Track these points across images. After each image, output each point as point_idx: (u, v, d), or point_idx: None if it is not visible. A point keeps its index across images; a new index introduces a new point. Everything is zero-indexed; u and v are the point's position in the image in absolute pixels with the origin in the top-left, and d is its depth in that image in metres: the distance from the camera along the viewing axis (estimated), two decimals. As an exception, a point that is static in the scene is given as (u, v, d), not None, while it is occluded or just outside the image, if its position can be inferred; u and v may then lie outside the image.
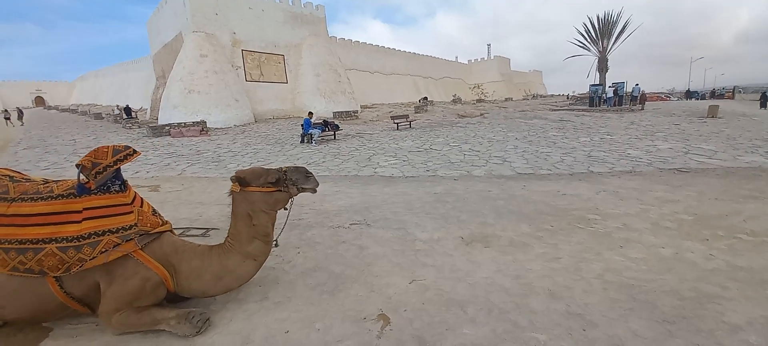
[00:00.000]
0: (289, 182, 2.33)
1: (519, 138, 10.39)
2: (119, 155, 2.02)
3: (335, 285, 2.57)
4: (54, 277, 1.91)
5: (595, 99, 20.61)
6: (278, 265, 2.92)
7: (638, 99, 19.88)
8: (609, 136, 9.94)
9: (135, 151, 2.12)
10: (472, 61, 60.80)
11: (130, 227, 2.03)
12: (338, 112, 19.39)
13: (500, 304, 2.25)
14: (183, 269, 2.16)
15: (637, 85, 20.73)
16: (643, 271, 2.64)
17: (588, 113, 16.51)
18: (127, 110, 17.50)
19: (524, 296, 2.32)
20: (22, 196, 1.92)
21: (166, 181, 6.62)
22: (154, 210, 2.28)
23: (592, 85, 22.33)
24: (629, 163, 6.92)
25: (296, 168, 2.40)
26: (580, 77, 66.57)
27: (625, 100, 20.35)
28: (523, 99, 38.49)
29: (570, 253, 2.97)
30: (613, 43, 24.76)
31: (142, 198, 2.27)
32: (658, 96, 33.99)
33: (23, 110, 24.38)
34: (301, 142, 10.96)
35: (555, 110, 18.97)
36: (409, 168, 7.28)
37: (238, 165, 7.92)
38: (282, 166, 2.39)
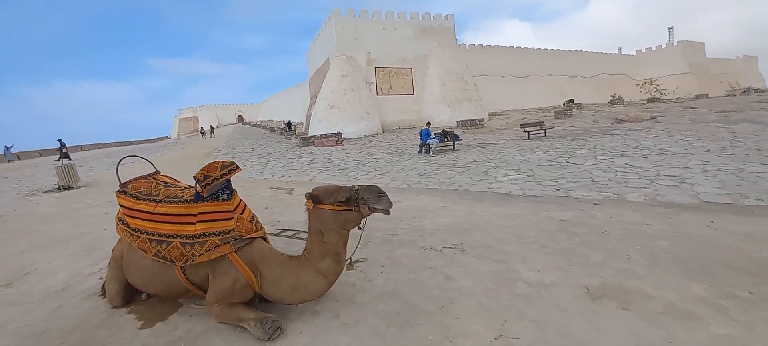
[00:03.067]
0: (361, 201, 2.21)
1: (713, 150, 7.51)
2: (225, 170, 2.34)
3: (407, 319, 2.30)
4: (180, 266, 2.36)
5: None
6: (359, 281, 2.85)
7: None
8: None
9: (238, 167, 2.43)
10: (643, 51, 48.59)
11: (229, 232, 2.32)
12: (462, 120, 18.76)
13: (627, 410, 1.50)
14: (266, 274, 2.33)
15: None
16: None
17: None
18: (289, 125, 21.91)
19: (676, 410, 1.49)
20: (165, 199, 2.45)
21: (300, 185, 7.75)
22: (252, 217, 2.56)
23: None
24: None
25: (368, 187, 2.27)
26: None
27: None
28: (727, 95, 28.00)
29: (786, 349, 1.79)
30: None
31: (245, 205, 2.58)
32: None
33: (214, 127, 37.23)
34: (419, 152, 11.04)
35: (785, 109, 12.98)
36: (533, 185, 6.23)
37: (357, 173, 8.58)
38: (354, 185, 2.30)
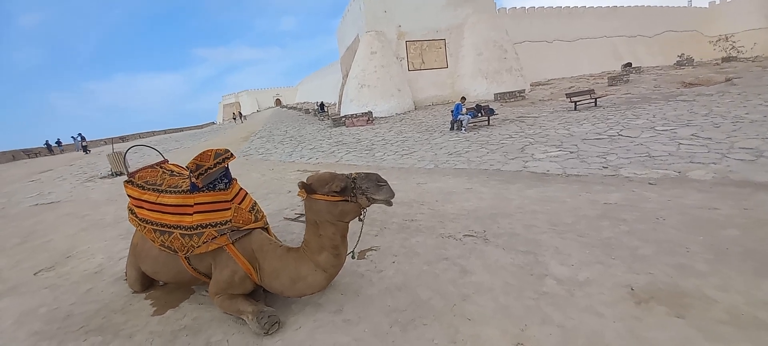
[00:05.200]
0: (358, 191, 2.00)
1: (803, 116, 6.23)
2: (219, 158, 2.24)
3: (412, 317, 2.10)
4: (184, 256, 2.34)
5: None
6: (368, 272, 2.70)
7: None
8: None
9: (232, 155, 2.32)
10: (717, 2, 41.70)
11: (226, 223, 2.24)
12: (501, 93, 17.55)
13: None
14: (266, 266, 2.24)
15: None
16: None
17: None
18: (322, 106, 22.10)
19: None
20: (167, 188, 2.42)
21: (325, 167, 7.72)
22: (252, 206, 2.47)
23: None
24: None
25: (367, 175, 2.04)
26: None
27: None
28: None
29: None
30: None
31: (245, 194, 2.49)
32: None
33: (242, 113, 43.21)
34: (450, 129, 10.50)
35: None
36: (576, 163, 5.59)
37: (384, 153, 8.35)
38: (352, 173, 2.08)
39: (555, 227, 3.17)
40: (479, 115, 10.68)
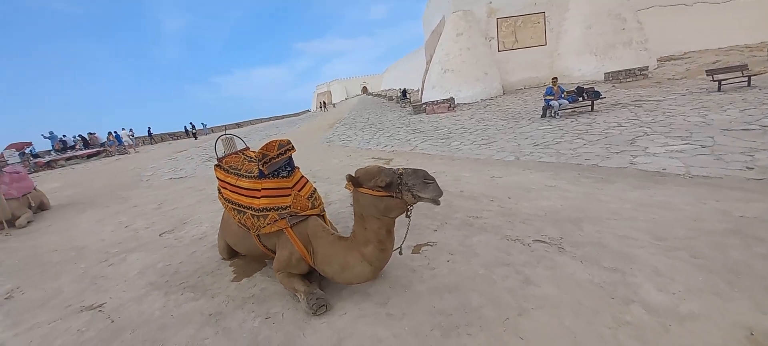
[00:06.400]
0: (404, 188, 1.94)
1: None
2: (281, 149, 2.44)
3: (457, 323, 1.96)
4: (255, 233, 2.65)
5: None
6: (420, 268, 2.62)
7: None
8: None
9: (293, 147, 2.50)
10: None
11: (286, 208, 2.44)
12: (613, 72, 14.88)
13: None
14: (318, 251, 2.37)
15: None
16: None
17: None
18: (404, 93, 22.24)
19: None
20: (245, 173, 2.74)
21: (399, 155, 7.74)
22: (311, 194, 2.62)
23: None
24: None
25: (414, 171, 1.95)
26: None
27: None
28: None
29: None
30: None
31: (305, 182, 2.66)
32: None
33: (326, 103, 46.17)
34: (542, 116, 9.37)
35: None
36: (708, 160, 4.40)
37: (460, 143, 7.94)
38: (399, 168, 2.02)
39: (659, 242, 2.56)
40: (581, 99, 9.27)
